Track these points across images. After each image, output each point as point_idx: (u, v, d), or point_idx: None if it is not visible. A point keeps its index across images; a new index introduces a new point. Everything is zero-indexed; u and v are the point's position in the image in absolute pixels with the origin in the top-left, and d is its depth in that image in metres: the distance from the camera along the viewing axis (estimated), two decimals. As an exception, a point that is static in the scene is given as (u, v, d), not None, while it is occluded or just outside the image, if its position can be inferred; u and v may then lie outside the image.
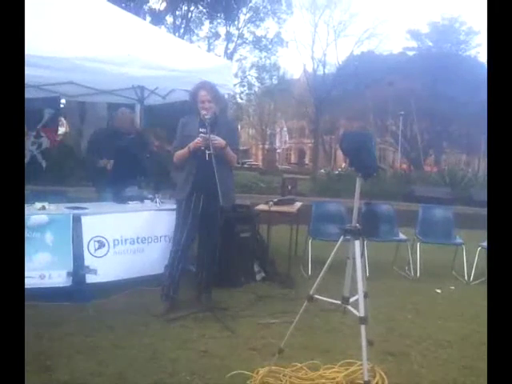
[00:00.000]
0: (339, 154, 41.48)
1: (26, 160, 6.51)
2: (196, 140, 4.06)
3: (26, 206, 4.51)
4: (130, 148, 5.52)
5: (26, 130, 6.31)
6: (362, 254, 2.94)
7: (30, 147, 6.61)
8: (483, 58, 32.12)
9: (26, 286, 4.15)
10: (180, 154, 4.20)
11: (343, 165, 30.47)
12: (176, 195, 4.36)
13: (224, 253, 4.78)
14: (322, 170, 25.85)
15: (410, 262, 5.86)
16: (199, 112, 4.14)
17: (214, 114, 4.19)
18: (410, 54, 35.74)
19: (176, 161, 4.26)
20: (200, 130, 4.13)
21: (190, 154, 4.13)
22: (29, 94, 6.05)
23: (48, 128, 6.76)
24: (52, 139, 6.73)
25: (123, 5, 18.92)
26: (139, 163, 5.66)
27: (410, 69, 30.34)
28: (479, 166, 33.86)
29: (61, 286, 4.33)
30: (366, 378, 2.61)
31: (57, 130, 7.45)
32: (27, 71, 4.35)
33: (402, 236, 6.09)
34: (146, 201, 5.24)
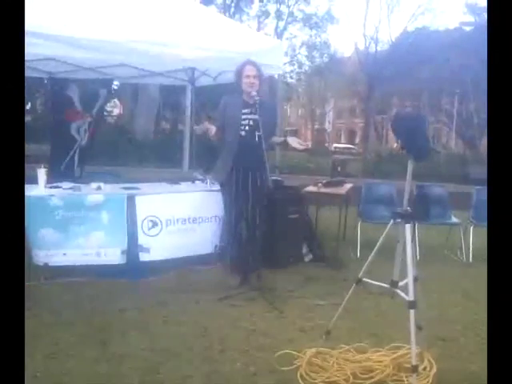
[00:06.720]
0: (391, 134, 40.59)
1: (74, 148, 6.52)
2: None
3: (82, 185, 4.69)
4: None
5: (81, 112, 6.41)
6: (413, 238, 2.89)
7: (81, 134, 6.55)
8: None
9: (82, 263, 4.39)
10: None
11: (395, 145, 29.77)
12: (220, 177, 4.41)
13: (273, 234, 4.82)
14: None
15: (463, 245, 5.72)
16: (243, 91, 4.15)
17: (259, 96, 4.17)
18: (467, 29, 34.09)
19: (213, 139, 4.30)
20: (243, 111, 4.15)
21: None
22: (84, 75, 6.25)
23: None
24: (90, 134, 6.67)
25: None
26: None
27: (466, 45, 29.04)
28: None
29: (115, 263, 4.50)
30: (413, 363, 2.59)
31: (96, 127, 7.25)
32: (82, 54, 4.54)
33: (454, 219, 5.94)
34: (196, 181, 5.33)
